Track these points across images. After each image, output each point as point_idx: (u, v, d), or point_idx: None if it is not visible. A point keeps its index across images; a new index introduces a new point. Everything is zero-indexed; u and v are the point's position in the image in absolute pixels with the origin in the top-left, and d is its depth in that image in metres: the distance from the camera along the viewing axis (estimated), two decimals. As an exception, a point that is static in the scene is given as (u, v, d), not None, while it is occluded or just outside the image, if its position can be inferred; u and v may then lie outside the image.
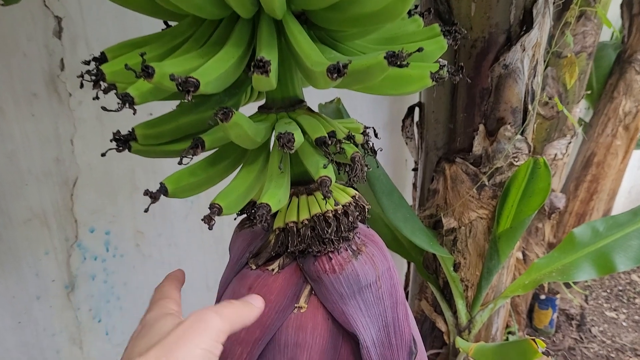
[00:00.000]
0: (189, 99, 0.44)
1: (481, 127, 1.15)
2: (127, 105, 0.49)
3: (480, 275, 1.27)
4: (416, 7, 0.63)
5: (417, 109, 1.36)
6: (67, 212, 1.22)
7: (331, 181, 0.50)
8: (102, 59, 0.55)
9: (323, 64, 0.45)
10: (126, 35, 0.57)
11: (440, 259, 1.26)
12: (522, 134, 1.16)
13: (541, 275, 1.23)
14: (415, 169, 1.49)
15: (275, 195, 0.50)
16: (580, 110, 1.96)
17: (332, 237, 0.58)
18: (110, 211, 1.27)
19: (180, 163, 0.52)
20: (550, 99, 1.66)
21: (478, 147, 1.16)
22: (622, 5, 2.21)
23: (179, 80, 0.43)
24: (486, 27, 1.06)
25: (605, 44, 2.25)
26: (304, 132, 0.55)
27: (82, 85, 0.52)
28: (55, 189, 1.19)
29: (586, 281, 2.65)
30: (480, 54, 1.09)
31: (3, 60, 1.10)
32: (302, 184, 0.62)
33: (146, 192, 0.52)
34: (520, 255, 2.05)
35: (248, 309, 0.50)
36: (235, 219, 0.66)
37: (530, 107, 1.14)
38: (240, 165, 0.59)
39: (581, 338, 2.27)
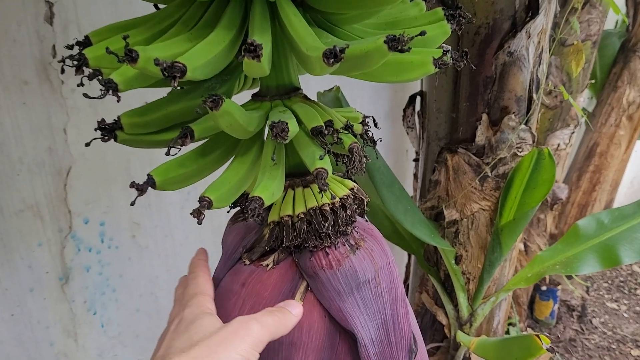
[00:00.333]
0: (175, 85, 0.41)
1: (484, 117, 1.12)
2: (110, 92, 0.46)
3: (482, 268, 1.25)
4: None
5: (418, 98, 1.33)
6: (60, 202, 1.20)
7: (328, 173, 0.48)
8: (86, 43, 0.52)
9: (319, 49, 0.42)
10: (119, 20, 0.53)
11: (441, 252, 1.24)
12: (526, 123, 1.13)
13: (544, 268, 1.20)
14: (416, 160, 1.46)
15: (269, 188, 0.48)
16: (584, 99, 1.93)
17: (329, 231, 0.55)
18: (104, 202, 1.25)
19: (167, 154, 0.49)
20: (555, 87, 1.63)
21: (481, 137, 1.13)
22: (627, -7, 2.18)
23: (164, 65, 0.40)
24: (490, 13, 1.02)
25: (609, 33, 2.21)
26: (299, 122, 0.52)
27: (62, 71, 0.49)
28: (48, 179, 1.17)
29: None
30: (484, 41, 1.06)
31: (-8, 47, 1.07)
32: (298, 175, 0.59)
33: (132, 185, 0.49)
34: (521, 247, 2.02)
35: (287, 318, 0.51)
36: (228, 211, 0.64)
37: (535, 96, 1.11)
38: (233, 156, 0.56)
39: (582, 329, 2.25)
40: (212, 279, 0.63)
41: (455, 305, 1.31)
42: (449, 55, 0.51)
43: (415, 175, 1.50)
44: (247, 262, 0.58)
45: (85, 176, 1.20)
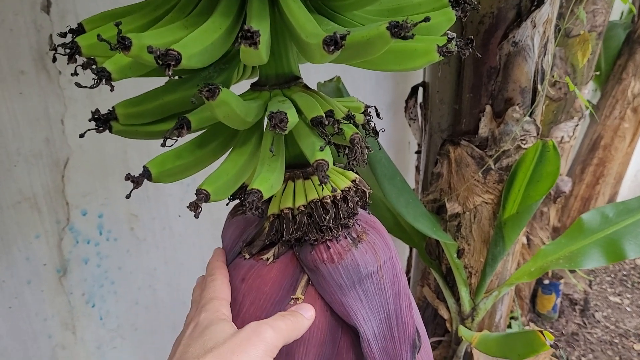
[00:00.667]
0: (169, 74, 0.40)
1: (488, 108, 1.10)
2: (103, 81, 0.45)
3: (485, 262, 1.23)
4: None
5: (420, 89, 1.31)
6: (58, 194, 1.18)
7: (328, 165, 0.46)
8: (79, 30, 0.51)
9: (319, 36, 0.41)
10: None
11: (443, 245, 1.23)
12: (530, 115, 1.11)
13: (548, 262, 1.19)
14: (418, 152, 1.44)
15: (267, 180, 0.46)
16: (588, 91, 1.91)
17: (331, 224, 0.54)
18: (102, 194, 1.23)
19: (163, 145, 0.48)
20: (560, 78, 1.61)
21: (484, 129, 1.11)
22: (633, -17, 2.14)
23: (158, 52, 0.39)
24: (495, 1, 1.00)
25: (614, 24, 2.18)
26: (299, 112, 0.50)
27: (54, 59, 0.47)
28: (46, 171, 1.15)
29: (590, 266, 2.62)
30: (489, 30, 1.03)
31: (-12, 36, 1.05)
32: (299, 167, 0.58)
33: (128, 177, 0.48)
34: (524, 240, 2.01)
35: (300, 322, 0.51)
36: (227, 204, 0.62)
37: (539, 87, 1.09)
38: (231, 147, 0.54)
39: (584, 323, 2.24)
40: None
41: (457, 300, 1.30)
42: (453, 42, 0.49)
43: (417, 168, 1.48)
44: (247, 256, 0.57)
45: (82, 167, 1.19)
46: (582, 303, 2.36)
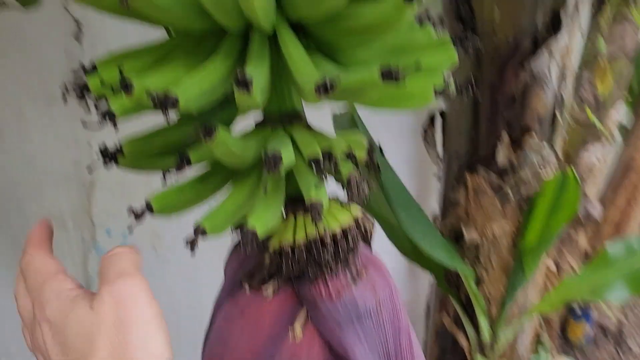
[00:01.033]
0: (167, 118, 0.41)
1: (505, 137, 1.08)
2: (108, 120, 0.47)
3: (504, 290, 1.21)
4: (428, 17, 0.58)
5: (439, 116, 1.30)
6: (84, 214, 1.22)
7: (322, 205, 0.47)
8: (92, 69, 0.53)
9: (310, 81, 0.42)
10: (147, 40, 0.54)
11: (461, 274, 1.21)
12: (549, 143, 1.09)
13: (571, 293, 1.16)
14: (439, 177, 1.43)
15: (262, 219, 0.47)
16: (621, 115, 1.85)
17: (330, 261, 0.54)
18: (126, 213, 1.27)
19: (164, 180, 0.49)
20: (583, 103, 1.57)
21: (502, 157, 1.10)
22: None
23: (156, 97, 0.40)
24: (510, 31, 0.99)
25: (647, 45, 2.12)
26: (297, 149, 0.51)
27: (65, 99, 0.50)
28: (73, 191, 1.20)
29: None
30: (504, 59, 1.03)
31: (22, 63, 1.11)
32: (301, 201, 0.58)
33: (131, 210, 0.50)
34: (552, 266, 1.96)
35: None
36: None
37: (558, 115, 1.07)
38: (232, 181, 0.56)
39: (618, 353, 2.16)
40: (214, 305, 0.63)
41: (476, 328, 1.28)
42: (452, 84, 0.49)
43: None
44: (247, 289, 0.58)
45: (108, 188, 1.23)
46: (616, 332, 2.27)
